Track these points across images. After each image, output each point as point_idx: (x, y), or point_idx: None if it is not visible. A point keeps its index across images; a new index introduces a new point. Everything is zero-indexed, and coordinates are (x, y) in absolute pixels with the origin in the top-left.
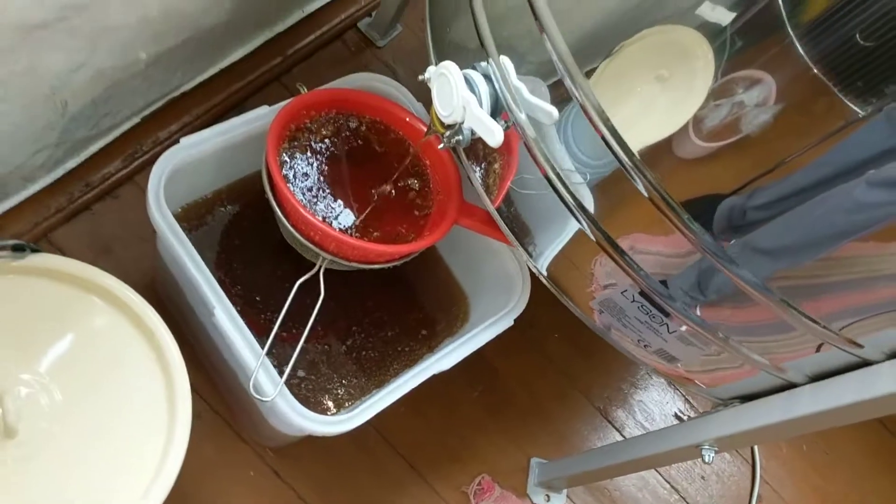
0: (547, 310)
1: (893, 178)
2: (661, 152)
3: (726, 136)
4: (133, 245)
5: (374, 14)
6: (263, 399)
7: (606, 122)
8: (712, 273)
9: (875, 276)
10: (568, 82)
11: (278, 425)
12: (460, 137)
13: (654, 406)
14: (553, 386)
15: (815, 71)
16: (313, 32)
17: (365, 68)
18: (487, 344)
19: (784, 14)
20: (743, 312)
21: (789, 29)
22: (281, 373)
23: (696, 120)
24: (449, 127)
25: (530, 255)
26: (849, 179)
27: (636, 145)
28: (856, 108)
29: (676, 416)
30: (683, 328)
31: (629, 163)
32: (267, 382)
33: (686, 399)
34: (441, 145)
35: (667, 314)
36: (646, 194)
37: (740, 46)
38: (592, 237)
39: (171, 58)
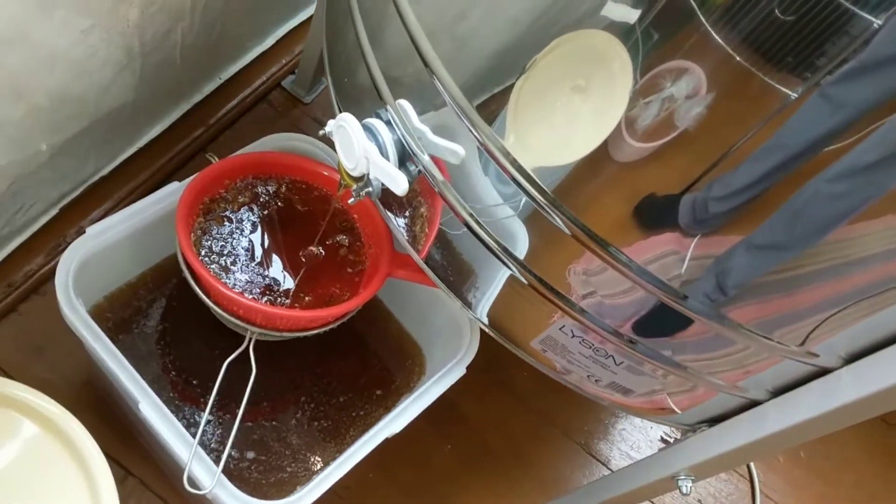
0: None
1: (848, 169)
2: (600, 161)
3: (663, 134)
4: (65, 341)
5: (296, 71)
6: (199, 492)
7: (513, 162)
8: (728, 271)
9: (846, 262)
10: (467, 125)
11: None
12: (370, 189)
13: (638, 433)
14: (528, 426)
15: (738, 58)
16: (234, 98)
17: (294, 127)
18: (454, 390)
19: (693, 1)
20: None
21: (701, 16)
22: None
23: (629, 121)
24: (357, 179)
25: (470, 302)
26: (804, 161)
27: (570, 161)
28: (786, 90)
29: (663, 440)
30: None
31: (543, 201)
32: (203, 473)
33: None
34: (352, 200)
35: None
36: (568, 232)
37: (657, 40)
38: (524, 280)
39: (78, 144)
